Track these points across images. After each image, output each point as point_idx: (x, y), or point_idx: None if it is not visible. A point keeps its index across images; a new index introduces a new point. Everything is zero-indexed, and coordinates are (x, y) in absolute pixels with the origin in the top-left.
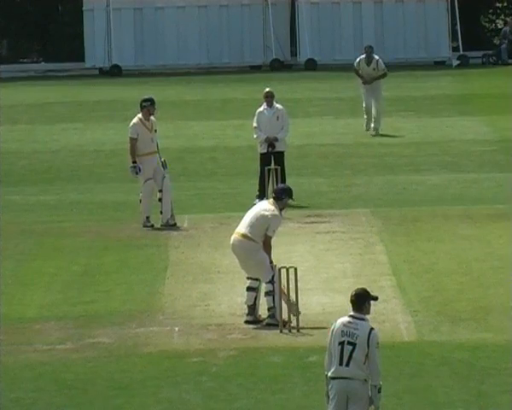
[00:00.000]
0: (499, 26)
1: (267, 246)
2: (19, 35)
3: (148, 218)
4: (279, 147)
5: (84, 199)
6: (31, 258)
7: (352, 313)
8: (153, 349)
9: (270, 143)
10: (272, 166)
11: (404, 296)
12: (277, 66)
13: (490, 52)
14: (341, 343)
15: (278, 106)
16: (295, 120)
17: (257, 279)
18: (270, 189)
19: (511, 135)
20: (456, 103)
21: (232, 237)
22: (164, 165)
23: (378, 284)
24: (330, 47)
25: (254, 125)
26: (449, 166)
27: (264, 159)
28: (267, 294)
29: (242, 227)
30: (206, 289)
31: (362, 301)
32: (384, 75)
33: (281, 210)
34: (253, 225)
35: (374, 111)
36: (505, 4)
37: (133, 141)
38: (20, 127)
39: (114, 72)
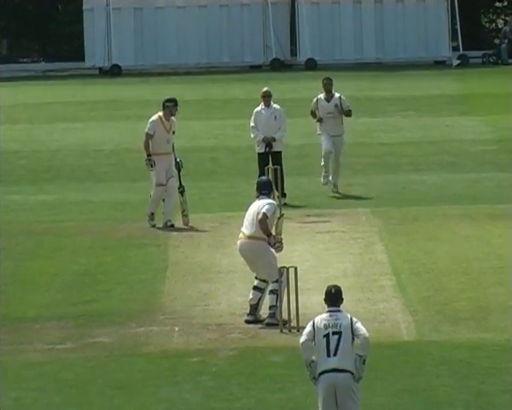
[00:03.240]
0: (499, 26)
1: (262, 223)
2: (19, 35)
3: (152, 214)
4: (276, 147)
5: (83, 198)
6: (31, 257)
7: (328, 309)
8: (153, 349)
9: (268, 142)
10: (271, 165)
11: (404, 296)
12: (277, 65)
13: (490, 52)
14: (326, 335)
15: (276, 106)
16: (295, 119)
17: (265, 281)
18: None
19: (511, 134)
20: (456, 103)
21: (238, 242)
22: (180, 165)
23: (378, 284)
24: (330, 47)
25: (252, 124)
26: (449, 165)
27: (262, 159)
28: (271, 292)
29: (246, 229)
30: (206, 288)
31: (340, 296)
32: (349, 113)
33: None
34: (254, 224)
35: (332, 163)
36: (505, 4)
37: (148, 136)
38: (20, 127)
39: (114, 71)
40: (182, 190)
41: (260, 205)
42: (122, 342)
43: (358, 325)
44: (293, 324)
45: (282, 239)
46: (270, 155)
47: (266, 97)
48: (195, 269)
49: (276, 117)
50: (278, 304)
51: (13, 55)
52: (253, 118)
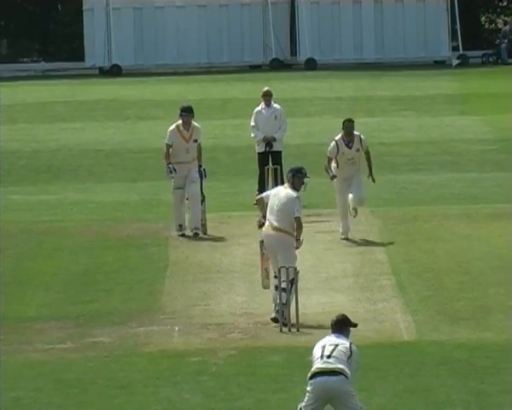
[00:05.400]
0: (499, 26)
1: (299, 226)
2: (19, 34)
3: (180, 226)
4: (276, 147)
5: (84, 198)
6: (31, 257)
7: (331, 334)
8: (153, 349)
9: (268, 142)
10: (271, 165)
11: (403, 296)
12: (277, 65)
13: (490, 52)
14: (323, 347)
15: (276, 105)
16: (295, 119)
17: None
18: (269, 188)
19: (511, 134)
20: (456, 103)
21: (264, 230)
22: (204, 173)
23: (378, 284)
24: (330, 46)
25: (252, 124)
26: (448, 165)
27: (262, 158)
28: (283, 290)
29: (275, 221)
30: (206, 288)
31: (342, 324)
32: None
33: (297, 190)
34: (281, 219)
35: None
36: (505, 4)
37: (167, 146)
38: (20, 127)
39: (114, 71)
40: (202, 200)
41: (289, 199)
42: (122, 342)
43: (354, 357)
44: (293, 322)
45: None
46: (270, 154)
47: (267, 97)
48: (195, 269)
49: (276, 116)
50: (287, 304)
51: (13, 54)
52: (253, 117)
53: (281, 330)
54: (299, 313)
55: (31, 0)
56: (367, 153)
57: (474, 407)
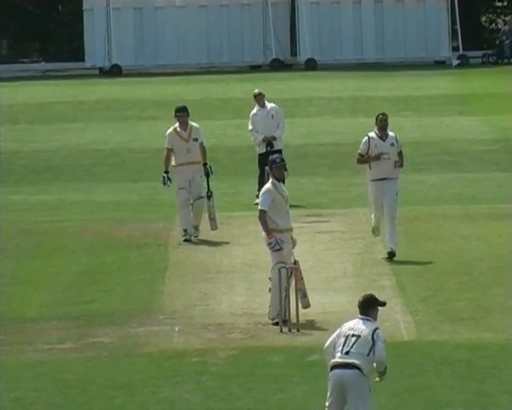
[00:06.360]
0: (499, 26)
1: (259, 220)
2: (19, 35)
3: (185, 230)
4: (277, 145)
5: (84, 199)
6: (31, 258)
7: (359, 316)
8: (153, 349)
9: (269, 142)
10: None
11: (403, 296)
12: (277, 65)
13: (490, 52)
14: (346, 336)
15: (271, 104)
16: (295, 119)
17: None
18: None
19: (511, 134)
20: (456, 103)
21: None
22: (209, 170)
23: (378, 284)
24: (330, 46)
25: (250, 128)
26: (449, 165)
27: (263, 159)
28: (270, 290)
29: None
30: (206, 288)
31: (368, 305)
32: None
33: (278, 180)
34: None
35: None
36: (505, 4)
37: (167, 151)
38: (20, 127)
39: (114, 71)
40: (209, 195)
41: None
42: (122, 342)
43: (379, 344)
44: (294, 321)
45: (276, 241)
46: (271, 154)
47: (257, 97)
48: (195, 269)
49: (272, 115)
50: (275, 302)
51: (13, 55)
52: (250, 121)
53: (281, 331)
54: (300, 313)
55: (31, 0)
56: (399, 153)
57: (474, 407)
